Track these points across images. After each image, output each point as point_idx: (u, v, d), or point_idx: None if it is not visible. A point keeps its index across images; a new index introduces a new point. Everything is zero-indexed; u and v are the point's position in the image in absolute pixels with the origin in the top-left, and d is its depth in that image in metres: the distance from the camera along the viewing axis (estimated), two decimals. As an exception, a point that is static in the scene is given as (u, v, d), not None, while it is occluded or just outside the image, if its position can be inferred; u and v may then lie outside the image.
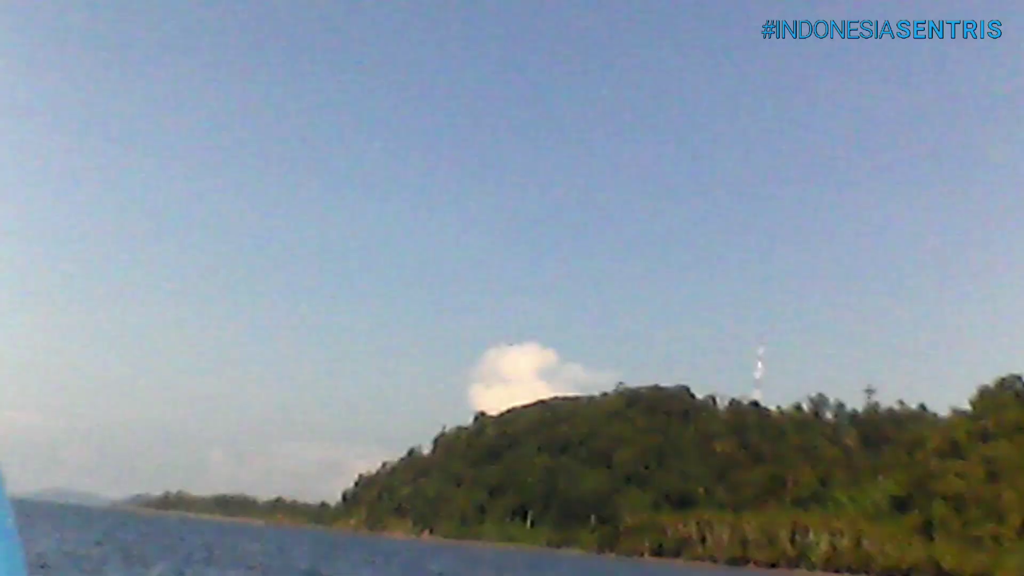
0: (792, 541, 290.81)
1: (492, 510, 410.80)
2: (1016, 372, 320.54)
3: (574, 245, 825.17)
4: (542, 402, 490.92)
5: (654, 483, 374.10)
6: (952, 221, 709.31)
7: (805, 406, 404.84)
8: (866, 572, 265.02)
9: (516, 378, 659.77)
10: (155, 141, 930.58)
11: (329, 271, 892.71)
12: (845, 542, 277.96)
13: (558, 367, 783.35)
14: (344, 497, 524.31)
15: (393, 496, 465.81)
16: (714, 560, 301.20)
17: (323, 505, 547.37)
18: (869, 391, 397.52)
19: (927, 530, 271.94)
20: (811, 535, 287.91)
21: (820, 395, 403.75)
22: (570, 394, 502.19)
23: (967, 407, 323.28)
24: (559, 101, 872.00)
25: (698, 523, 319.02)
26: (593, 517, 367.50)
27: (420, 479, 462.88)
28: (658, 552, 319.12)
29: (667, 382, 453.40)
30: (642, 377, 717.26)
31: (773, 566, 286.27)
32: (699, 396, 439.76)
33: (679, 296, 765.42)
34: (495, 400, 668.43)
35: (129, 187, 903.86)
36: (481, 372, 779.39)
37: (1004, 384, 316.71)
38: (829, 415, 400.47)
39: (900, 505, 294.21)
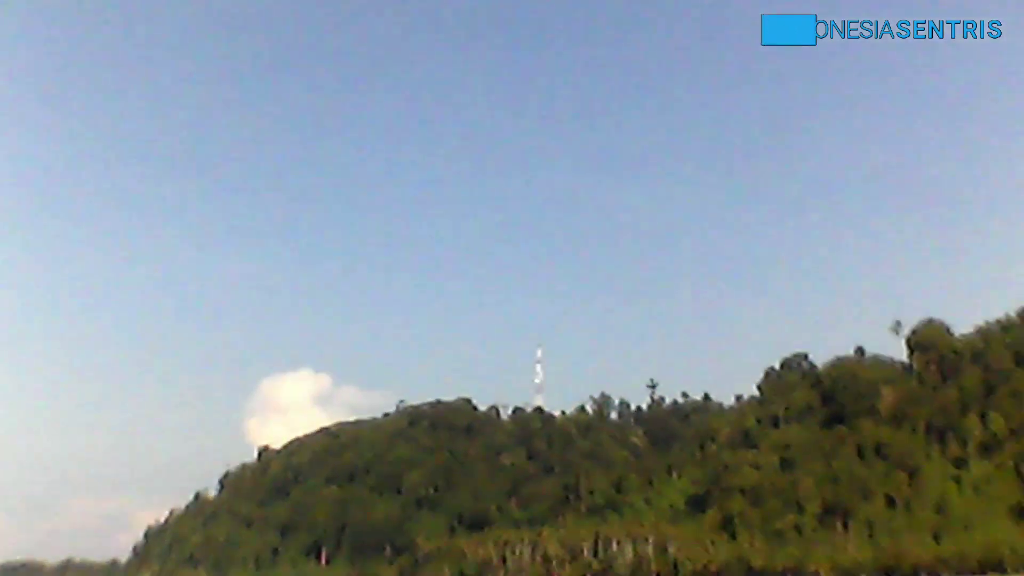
0: (595, 553, 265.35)
1: (286, 550, 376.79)
2: (800, 351, 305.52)
3: (334, 264, 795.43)
4: (325, 429, 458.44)
5: (446, 505, 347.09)
6: (721, 207, 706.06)
7: (589, 408, 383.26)
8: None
9: (293, 406, 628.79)
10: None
11: (92, 308, 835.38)
12: (649, 549, 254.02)
13: (333, 391, 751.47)
14: (135, 551, 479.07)
15: (184, 546, 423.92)
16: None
17: (114, 563, 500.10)
18: (651, 386, 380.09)
19: (728, 527, 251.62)
20: (614, 545, 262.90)
21: (603, 395, 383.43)
22: (350, 419, 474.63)
23: (755, 392, 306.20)
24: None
25: (496, 544, 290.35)
26: (388, 547, 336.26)
27: (209, 524, 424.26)
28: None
29: (447, 396, 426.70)
30: (420, 394, 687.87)
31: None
32: (481, 408, 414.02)
33: (450, 306, 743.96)
34: (275, 432, 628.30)
35: None
36: (258, 404, 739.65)
37: (789, 364, 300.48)
38: (614, 415, 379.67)
39: (698, 503, 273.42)
